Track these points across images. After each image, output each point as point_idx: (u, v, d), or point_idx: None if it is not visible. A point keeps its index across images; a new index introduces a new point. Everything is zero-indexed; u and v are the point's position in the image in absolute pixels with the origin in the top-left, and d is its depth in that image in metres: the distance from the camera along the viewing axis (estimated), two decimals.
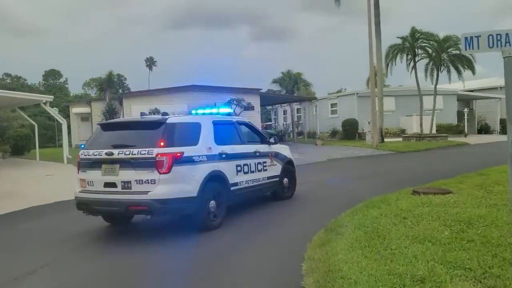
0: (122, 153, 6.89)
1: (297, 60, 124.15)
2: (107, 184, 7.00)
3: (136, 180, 6.74)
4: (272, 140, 9.85)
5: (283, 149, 10.43)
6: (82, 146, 7.76)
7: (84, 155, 7.38)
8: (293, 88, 40.29)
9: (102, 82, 39.11)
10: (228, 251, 6.28)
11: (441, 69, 28.71)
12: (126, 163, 6.84)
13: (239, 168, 8.32)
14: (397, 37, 28.24)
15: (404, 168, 15.82)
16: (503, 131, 36.13)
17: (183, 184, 6.94)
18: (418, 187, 9.59)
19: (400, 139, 29.10)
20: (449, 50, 28.46)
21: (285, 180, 10.08)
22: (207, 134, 7.75)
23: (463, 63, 28.09)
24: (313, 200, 10.06)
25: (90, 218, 7.80)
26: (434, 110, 29.00)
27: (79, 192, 7.39)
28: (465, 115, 33.83)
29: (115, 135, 7.63)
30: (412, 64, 28.79)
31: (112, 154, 6.97)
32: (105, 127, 7.97)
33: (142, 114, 9.51)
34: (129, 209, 6.88)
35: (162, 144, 6.81)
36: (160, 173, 6.67)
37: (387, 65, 28.20)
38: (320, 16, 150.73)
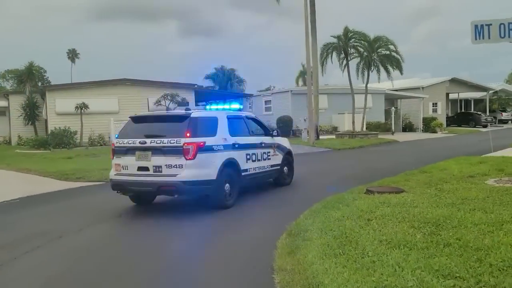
0: (153, 142, 8.12)
1: (228, 57, 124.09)
2: (140, 168, 8.21)
3: (166, 165, 7.97)
4: (274, 133, 11.17)
5: (284, 141, 11.72)
6: (117, 136, 8.92)
7: (119, 144, 8.61)
8: (226, 84, 39.75)
9: (21, 74, 36.09)
10: (240, 224, 7.76)
11: (372, 69, 29.47)
12: (157, 150, 8.05)
13: (248, 157, 9.58)
14: (331, 36, 28.62)
15: (346, 166, 15.90)
16: (426, 129, 38.16)
17: (205, 169, 8.19)
18: (370, 186, 9.48)
19: (333, 136, 29.58)
20: (379, 50, 29.30)
21: (285, 168, 11.37)
22: (223, 127, 8.98)
23: (392, 63, 29.03)
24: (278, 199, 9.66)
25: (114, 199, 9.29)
26: (365, 108, 29.77)
27: (115, 175, 8.62)
28: (392, 113, 35.18)
29: (146, 126, 8.90)
30: (344, 63, 29.31)
31: (145, 142, 8.18)
32: (136, 120, 9.09)
33: (167, 109, 10.46)
34: (160, 189, 8.19)
35: (188, 134, 8.00)
36: (186, 159, 7.90)
37: (322, 63, 28.49)
38: (249, 14, 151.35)
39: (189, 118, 8.35)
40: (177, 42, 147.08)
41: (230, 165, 8.82)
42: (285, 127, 30.72)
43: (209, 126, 8.71)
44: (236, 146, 9.12)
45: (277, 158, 10.92)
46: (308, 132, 24.87)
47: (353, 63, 29.73)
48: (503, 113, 52.22)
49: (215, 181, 8.30)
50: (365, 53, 28.42)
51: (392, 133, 33.55)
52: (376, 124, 34.28)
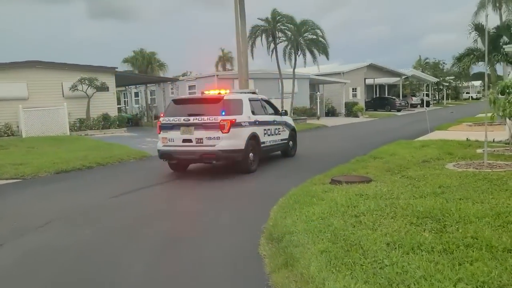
0: (196, 119, 10.13)
1: (144, 41, 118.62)
2: (184, 140, 10.23)
3: (207, 137, 10.03)
4: (283, 112, 13.39)
5: (289, 120, 13.91)
6: (162, 120, 10.71)
7: (165, 121, 10.59)
8: (146, 69, 37.48)
9: None
10: (297, 165, 11.47)
11: (299, 53, 29.20)
12: (199, 126, 10.10)
13: (265, 132, 11.65)
14: (259, 19, 27.85)
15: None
16: (348, 113, 38.96)
17: (236, 140, 10.26)
18: (334, 175, 8.80)
19: None
20: (305, 35, 29.08)
21: (290, 142, 13.51)
22: (247, 107, 10.97)
23: (319, 48, 28.94)
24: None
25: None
26: (293, 93, 29.50)
27: (162, 146, 10.68)
28: (318, 98, 35.36)
29: (188, 107, 10.74)
30: (272, 46, 28.71)
31: (188, 120, 10.17)
32: (177, 102, 11.25)
33: (202, 93, 11.72)
34: (202, 156, 10.19)
35: (223, 113, 10.04)
36: (222, 133, 9.98)
37: (251, 46, 27.61)
38: None
39: (223, 100, 10.42)
40: (87, 24, 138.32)
41: (253, 138, 10.93)
42: None
43: (237, 106, 10.71)
44: (257, 123, 11.21)
45: (285, 134, 13.10)
46: None
47: (280, 47, 29.30)
48: (413, 98, 55.17)
49: (243, 150, 10.44)
50: (292, 37, 27.98)
51: (318, 118, 33.73)
52: (302, 109, 34.22)
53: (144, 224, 6.54)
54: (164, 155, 10.74)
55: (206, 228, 6.25)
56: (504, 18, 43.64)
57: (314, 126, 26.49)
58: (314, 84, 40.23)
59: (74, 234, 6.16)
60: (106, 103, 23.63)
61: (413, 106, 52.77)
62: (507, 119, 13.56)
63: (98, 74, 22.85)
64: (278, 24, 27.86)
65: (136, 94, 40.13)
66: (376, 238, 4.70)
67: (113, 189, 9.18)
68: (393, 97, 49.73)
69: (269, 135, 11.92)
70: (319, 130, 25.13)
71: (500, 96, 10.71)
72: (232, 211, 7.19)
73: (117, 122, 23.68)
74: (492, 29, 21.19)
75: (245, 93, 12.37)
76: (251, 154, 10.77)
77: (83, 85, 21.96)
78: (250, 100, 11.34)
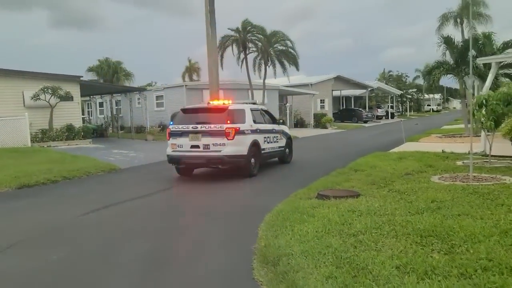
0: (203, 127, 11.01)
1: (110, 50, 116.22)
2: (193, 146, 11.05)
3: (213, 144, 10.88)
4: (280, 121, 14.32)
5: (286, 129, 14.58)
6: (172, 123, 11.81)
7: (174, 129, 11.44)
8: (112, 78, 36.38)
9: None
10: (277, 179, 11.39)
11: (269, 64, 29.00)
12: (206, 133, 10.94)
13: (265, 139, 12.46)
14: (229, 29, 27.48)
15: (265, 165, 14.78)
16: (317, 125, 39.00)
17: (240, 146, 11.08)
18: (320, 189, 8.43)
19: None
20: (275, 46, 28.93)
21: (287, 150, 14.37)
22: (249, 116, 11.80)
23: (289, 59, 28.84)
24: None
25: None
26: (264, 104, 29.19)
27: (171, 152, 11.47)
28: (287, 109, 35.23)
29: (196, 116, 11.51)
30: (242, 57, 28.39)
31: (197, 127, 11.03)
32: (186, 111, 11.95)
33: (208, 103, 12.47)
34: (209, 161, 11.11)
35: (228, 122, 10.95)
36: (227, 140, 10.85)
37: (221, 57, 27.19)
38: (129, 6, 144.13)
39: (228, 110, 11.35)
40: (49, 32, 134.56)
41: (255, 145, 11.80)
42: None
43: (240, 116, 11.58)
44: (258, 131, 12.07)
45: (282, 142, 13.98)
46: None
47: (250, 58, 29.03)
48: (378, 109, 56.05)
49: (246, 156, 11.31)
50: (263, 48, 27.76)
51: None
52: None
53: (120, 246, 5.92)
54: (173, 159, 11.62)
55: (190, 248, 5.71)
56: (466, 33, 45.07)
57: None
58: (282, 95, 40.17)
59: (39, 259, 5.49)
60: (70, 113, 22.57)
61: (379, 117, 53.56)
62: (483, 132, 13.65)
63: (62, 83, 21.80)
64: (249, 35, 27.58)
65: (101, 104, 38.87)
66: (383, 260, 4.31)
67: (82, 206, 8.47)
68: (360, 109, 50.32)
69: (268, 142, 12.81)
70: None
71: (478, 108, 10.63)
72: (219, 228, 6.67)
73: (82, 133, 22.64)
74: (460, 42, 21.61)
75: (247, 103, 13.28)
76: (252, 160, 11.64)
77: (46, 94, 20.86)
78: (251, 110, 12.27)
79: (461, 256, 4.33)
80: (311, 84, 43.36)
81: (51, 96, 21.03)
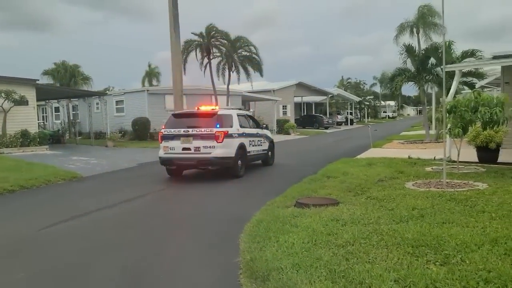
0: (194, 131, 11.78)
1: (67, 53, 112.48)
2: (184, 149, 11.80)
3: (203, 146, 11.63)
4: (264, 126, 15.33)
5: (268, 133, 15.38)
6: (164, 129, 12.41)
7: (166, 132, 12.15)
8: (69, 82, 35.03)
9: None
10: (249, 186, 11.34)
11: (233, 69, 28.78)
12: (197, 136, 11.70)
13: (250, 142, 13.15)
14: (192, 33, 27.07)
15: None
16: (279, 130, 39.03)
17: (228, 149, 11.79)
18: (296, 197, 8.23)
19: None
20: (239, 51, 28.76)
21: (269, 153, 15.11)
22: (236, 121, 12.54)
23: (253, 64, 28.73)
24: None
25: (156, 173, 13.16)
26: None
27: (164, 154, 12.14)
28: (253, 116, 35.00)
29: (187, 120, 12.34)
30: (205, 62, 28.03)
31: (188, 131, 11.81)
32: (176, 116, 12.76)
33: (198, 108, 12.97)
34: (199, 162, 11.82)
35: (218, 126, 11.66)
36: (217, 142, 11.56)
37: (184, 61, 26.69)
38: (83, 9, 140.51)
39: (217, 115, 12.11)
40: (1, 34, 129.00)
41: (241, 147, 12.48)
42: (142, 130, 28.26)
43: (228, 120, 12.34)
44: (244, 134, 12.81)
45: (265, 145, 14.73)
46: None
47: (214, 63, 28.71)
48: (338, 116, 56.92)
49: (234, 157, 12.02)
50: (227, 53, 27.50)
51: None
52: None
53: (88, 263, 5.46)
54: (165, 161, 12.29)
55: (169, 263, 5.34)
56: (422, 42, 46.49)
57: None
58: (245, 101, 40.03)
59: None
60: (25, 118, 21.47)
61: (339, 124, 54.37)
62: (448, 138, 13.91)
63: (17, 87, 20.73)
64: (213, 40, 27.27)
65: (57, 109, 37.40)
66: (380, 274, 4.12)
67: (43, 218, 7.90)
68: (321, 115, 50.88)
69: (253, 145, 13.54)
70: None
71: (448, 114, 10.76)
72: (198, 239, 6.31)
73: (38, 139, 21.56)
74: (422, 50, 22.13)
75: (234, 109, 14.49)
76: (239, 161, 12.35)
77: None
78: (238, 115, 13.09)
79: (459, 267, 4.21)
80: (273, 90, 43.48)
81: (4, 100, 19.96)
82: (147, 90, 30.79)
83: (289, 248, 5.13)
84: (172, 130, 12.07)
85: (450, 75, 20.59)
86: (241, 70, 29.26)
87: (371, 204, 7.24)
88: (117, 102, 32.52)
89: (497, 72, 18.20)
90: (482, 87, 22.69)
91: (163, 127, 12.44)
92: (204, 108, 12.80)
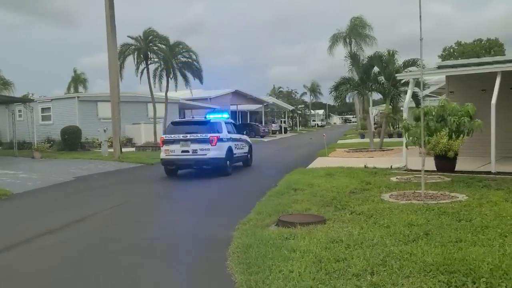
0: (192, 136, 13.95)
1: None
2: (183, 151, 13.95)
3: (200, 149, 13.81)
4: (244, 132, 18.22)
5: (248, 138, 17.70)
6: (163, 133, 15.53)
7: (167, 137, 14.32)
8: None
9: None
10: (236, 182, 13.27)
11: (171, 76, 27.52)
12: (194, 141, 13.86)
13: (235, 146, 15.33)
14: (129, 37, 25.52)
15: (185, 186, 13.41)
16: None
17: (220, 151, 14.04)
18: (271, 213, 7.44)
19: (133, 149, 26.40)
20: (178, 57, 27.62)
21: (249, 155, 17.16)
22: (224, 127, 14.89)
23: (193, 71, 27.68)
24: None
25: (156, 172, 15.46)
26: (166, 117, 27.58)
27: (165, 156, 14.24)
28: None
29: (185, 127, 14.82)
30: (142, 67, 26.56)
31: (187, 136, 13.99)
32: (175, 123, 15.59)
33: (193, 117, 17.33)
34: (197, 162, 14.05)
35: (211, 131, 14.06)
36: (211, 146, 13.81)
37: (120, 67, 25.00)
38: (3, 12, 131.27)
39: (210, 122, 14.57)
40: None
41: (229, 150, 14.52)
42: (73, 139, 26.16)
43: (219, 126, 14.53)
44: (231, 139, 14.89)
45: (246, 148, 16.88)
46: (111, 145, 21.27)
47: (152, 69, 27.29)
48: (273, 124, 57.08)
49: (224, 158, 14.05)
50: (167, 58, 26.22)
51: None
52: None
53: None
54: (167, 162, 14.36)
55: None
56: (352, 52, 47.84)
57: None
58: (181, 109, 38.73)
59: None
60: None
61: (274, 132, 54.46)
62: (405, 147, 13.84)
63: None
64: (151, 44, 25.88)
65: None
66: None
67: None
68: (257, 124, 50.62)
69: (237, 148, 15.60)
70: None
71: (416, 123, 10.51)
72: (174, 275, 5.30)
73: None
74: (365, 59, 22.32)
75: (222, 117, 16.18)
76: (228, 162, 14.38)
77: None
78: (225, 122, 15.37)
79: None
80: (210, 98, 42.59)
81: None
82: (78, 97, 28.70)
83: (299, 280, 4.33)
84: (172, 135, 14.12)
85: (393, 84, 20.97)
86: (180, 76, 28.06)
87: (362, 221, 6.63)
88: (43, 110, 30.00)
89: (439, 82, 18.65)
90: (426, 96, 23.35)
91: (164, 133, 15.42)
92: (198, 117, 15.81)
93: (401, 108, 26.65)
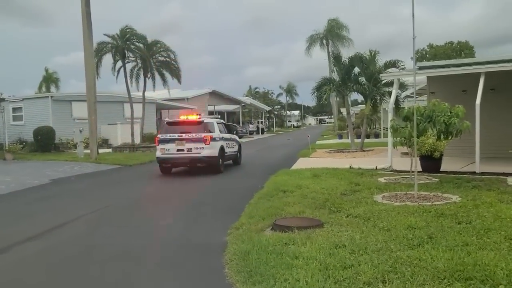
0: (186, 135, 14.61)
1: None
2: (178, 150, 14.60)
3: (194, 147, 14.51)
4: (234, 132, 18.24)
5: (237, 138, 18.47)
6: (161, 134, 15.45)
7: (162, 137, 14.89)
8: None
9: None
10: (228, 179, 14.01)
11: (149, 75, 26.91)
12: (189, 140, 14.53)
13: (227, 145, 16.04)
14: (105, 35, 24.80)
15: (167, 188, 13.00)
16: None
17: (213, 149, 14.76)
18: (265, 216, 7.16)
19: (109, 150, 25.69)
20: (156, 56, 27.06)
21: (238, 154, 18.05)
22: (216, 127, 15.66)
23: (172, 71, 27.16)
24: None
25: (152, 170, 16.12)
26: (144, 118, 27.00)
27: (161, 154, 14.84)
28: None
29: (179, 127, 15.20)
30: (119, 66, 25.86)
31: (182, 135, 14.62)
32: (170, 124, 15.97)
33: (187, 117, 15.92)
34: (191, 160, 14.75)
35: (205, 130, 14.78)
36: (205, 144, 14.49)
37: (97, 65, 24.24)
38: None
39: (204, 122, 15.23)
40: None
41: (222, 149, 15.25)
42: (46, 139, 25.32)
43: (212, 127, 15.26)
44: (223, 138, 15.63)
45: (236, 147, 17.59)
46: (88, 146, 20.62)
47: (128, 68, 26.62)
48: (250, 125, 56.84)
49: (217, 156, 14.78)
50: (145, 57, 25.59)
51: None
52: (149, 135, 31.65)
53: None
54: (162, 160, 14.92)
55: None
56: (331, 53, 48.09)
57: None
58: (158, 109, 38.09)
59: None
60: None
61: (251, 133, 54.21)
62: (389, 148, 13.79)
63: None
64: (128, 43, 25.23)
65: None
66: None
67: None
68: (235, 124, 50.16)
69: (228, 147, 16.27)
70: None
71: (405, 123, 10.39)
72: (165, 279, 4.97)
73: None
74: (346, 59, 22.26)
75: (213, 118, 18.03)
76: (220, 160, 15.05)
77: None
78: (217, 123, 16.31)
79: None
80: (187, 98, 42.07)
81: None
82: (51, 96, 27.80)
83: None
84: (168, 135, 14.71)
85: (374, 84, 20.98)
86: (157, 76, 27.46)
87: (361, 224, 6.42)
88: (14, 110, 28.97)
89: (420, 82, 18.72)
90: (406, 97, 23.51)
91: (159, 133, 15.78)
92: (190, 117, 15.64)
93: (381, 109, 26.86)
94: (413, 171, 9.18)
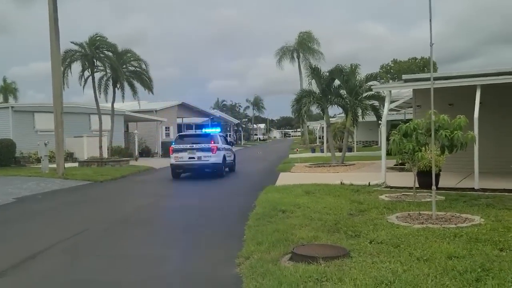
0: (197, 145, 17.85)
1: None
2: (190, 158, 17.82)
3: (204, 156, 17.69)
4: (230, 143, 22.58)
5: (233, 148, 22.76)
6: (173, 143, 18.91)
7: (176, 147, 18.07)
8: None
9: None
10: (229, 181, 17.38)
11: (118, 86, 25.59)
12: (199, 149, 17.73)
13: (226, 154, 19.32)
14: (72, 42, 23.34)
15: (162, 206, 11.84)
16: (165, 154, 36.17)
17: (218, 157, 17.98)
18: (296, 246, 6.27)
19: (75, 164, 24.07)
20: (127, 65, 25.82)
21: (234, 162, 21.21)
22: (219, 139, 18.96)
23: (143, 81, 25.95)
24: None
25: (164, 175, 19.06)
26: (113, 131, 25.62)
27: (175, 161, 18.02)
28: (136, 137, 31.90)
29: (191, 139, 18.96)
30: (86, 75, 24.42)
31: (193, 146, 17.88)
32: (181, 136, 19.72)
33: (196, 131, 23.10)
34: (201, 166, 17.93)
35: (212, 142, 17.93)
36: (212, 153, 17.67)
37: (63, 74, 22.70)
38: None
39: (211, 135, 18.84)
40: None
41: (224, 157, 18.61)
42: (6, 153, 23.51)
43: (216, 138, 18.62)
44: (224, 148, 18.94)
45: (232, 156, 20.86)
46: (54, 160, 19.11)
47: (96, 77, 25.20)
48: None
49: (221, 163, 18.27)
50: (116, 67, 24.28)
51: (136, 159, 30.20)
52: (117, 149, 30.17)
53: None
54: (176, 166, 18.01)
55: None
56: (302, 66, 47.94)
57: (142, 169, 23.06)
58: (126, 121, 36.54)
59: None
60: None
61: None
62: (383, 162, 13.22)
63: None
64: (97, 51, 23.89)
65: None
66: None
67: None
68: None
69: (228, 156, 19.35)
70: (148, 173, 21.77)
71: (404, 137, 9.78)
72: None
73: None
74: (326, 72, 21.76)
75: (215, 131, 20.58)
76: (223, 166, 18.29)
77: None
78: (219, 135, 19.54)
79: None
80: (155, 111, 40.59)
81: None
82: (12, 107, 25.93)
83: None
84: (181, 145, 17.97)
85: (355, 97, 20.53)
86: (127, 86, 26.19)
87: (393, 253, 5.62)
88: None
89: (405, 95, 18.39)
90: (391, 109, 23.16)
91: (173, 144, 18.63)
92: (200, 131, 19.04)
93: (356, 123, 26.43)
94: (411, 187, 8.56)
